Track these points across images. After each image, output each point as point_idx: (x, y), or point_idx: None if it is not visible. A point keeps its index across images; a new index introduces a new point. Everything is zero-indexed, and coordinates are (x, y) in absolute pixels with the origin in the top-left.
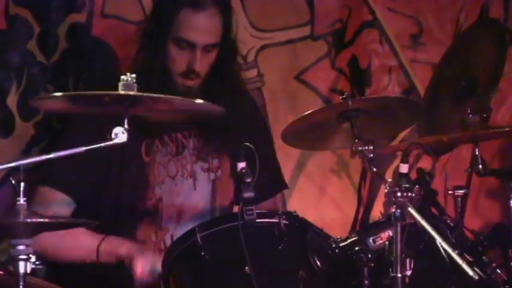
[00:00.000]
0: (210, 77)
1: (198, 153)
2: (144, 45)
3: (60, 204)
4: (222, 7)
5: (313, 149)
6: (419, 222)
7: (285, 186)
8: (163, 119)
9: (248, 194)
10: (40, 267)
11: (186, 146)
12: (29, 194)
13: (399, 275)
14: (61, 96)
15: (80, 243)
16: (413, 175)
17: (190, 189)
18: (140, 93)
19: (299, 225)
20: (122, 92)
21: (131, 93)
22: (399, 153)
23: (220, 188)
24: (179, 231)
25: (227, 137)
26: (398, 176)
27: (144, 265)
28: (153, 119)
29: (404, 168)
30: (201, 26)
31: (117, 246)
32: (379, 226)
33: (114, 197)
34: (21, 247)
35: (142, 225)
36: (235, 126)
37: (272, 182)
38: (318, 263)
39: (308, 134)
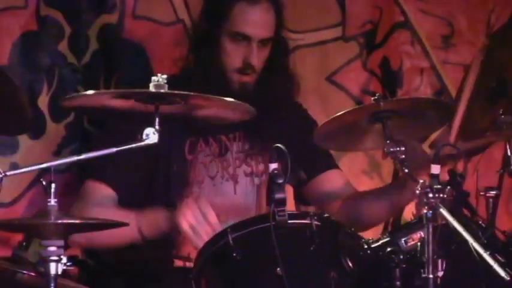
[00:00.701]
0: (263, 72)
1: (243, 157)
2: (197, 44)
3: (104, 198)
4: (275, 2)
5: (344, 150)
6: (451, 223)
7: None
8: (206, 119)
9: (280, 195)
10: (71, 268)
11: (229, 148)
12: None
13: (431, 276)
14: (92, 94)
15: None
16: (445, 176)
17: (231, 192)
18: (170, 91)
19: (331, 226)
20: (153, 90)
21: (162, 90)
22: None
23: (265, 193)
24: None
25: (273, 142)
26: (430, 177)
27: (189, 219)
28: (198, 118)
29: (435, 169)
30: (256, 20)
31: (156, 221)
32: (410, 227)
33: (155, 195)
34: (52, 248)
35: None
36: (283, 129)
37: (324, 159)
38: (350, 264)
39: (340, 135)
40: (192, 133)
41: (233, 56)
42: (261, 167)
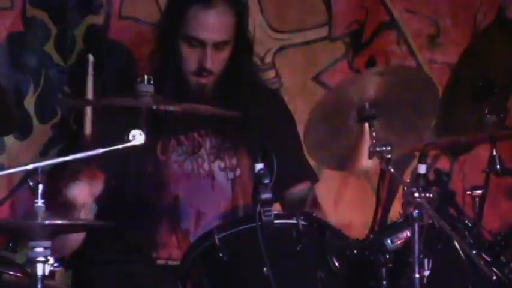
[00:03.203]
0: (225, 74)
1: (215, 152)
2: (158, 44)
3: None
4: (234, 4)
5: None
6: (437, 222)
7: (313, 176)
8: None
9: (266, 195)
10: (58, 269)
11: (203, 145)
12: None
13: (417, 275)
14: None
15: None
16: (431, 176)
17: (209, 189)
18: (156, 106)
19: (317, 226)
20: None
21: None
22: (417, 154)
23: (240, 188)
24: (201, 233)
25: (245, 135)
26: (416, 176)
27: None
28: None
29: (422, 169)
30: (210, 24)
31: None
32: (397, 227)
33: (132, 197)
34: (39, 249)
35: (162, 228)
36: (254, 123)
37: (298, 170)
38: (336, 263)
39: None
40: (164, 133)
41: (189, 59)
42: (234, 161)
